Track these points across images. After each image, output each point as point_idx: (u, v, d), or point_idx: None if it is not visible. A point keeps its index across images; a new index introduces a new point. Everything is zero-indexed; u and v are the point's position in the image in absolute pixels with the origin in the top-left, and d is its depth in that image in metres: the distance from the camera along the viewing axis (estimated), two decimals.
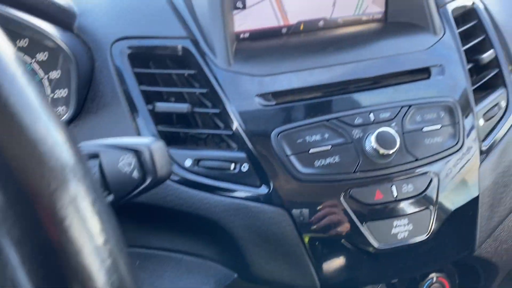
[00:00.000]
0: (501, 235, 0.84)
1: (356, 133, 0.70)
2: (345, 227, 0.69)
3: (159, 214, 0.73)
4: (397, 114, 0.72)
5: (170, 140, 0.75)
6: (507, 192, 0.78)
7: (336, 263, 0.70)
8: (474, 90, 0.81)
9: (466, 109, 0.76)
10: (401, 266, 0.72)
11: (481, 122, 0.78)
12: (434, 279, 0.93)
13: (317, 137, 0.70)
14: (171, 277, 0.75)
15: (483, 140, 0.78)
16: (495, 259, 0.86)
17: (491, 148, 0.77)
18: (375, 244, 0.70)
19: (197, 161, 0.71)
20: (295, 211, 0.69)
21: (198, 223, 0.73)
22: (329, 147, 0.70)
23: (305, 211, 0.69)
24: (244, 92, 0.71)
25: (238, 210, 0.69)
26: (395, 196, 0.70)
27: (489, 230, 0.77)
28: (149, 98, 0.73)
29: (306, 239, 0.69)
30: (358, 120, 0.71)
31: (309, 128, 0.70)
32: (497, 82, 0.85)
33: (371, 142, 0.69)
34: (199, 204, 0.70)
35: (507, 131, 0.80)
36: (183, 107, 0.72)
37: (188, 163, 0.71)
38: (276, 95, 0.72)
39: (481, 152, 0.76)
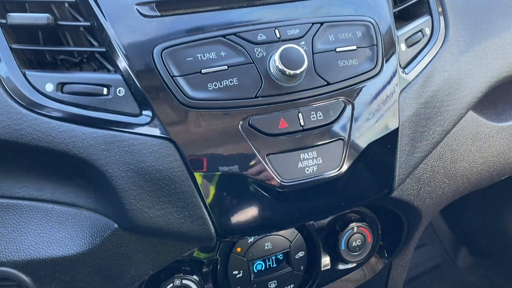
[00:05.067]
0: (424, 177, 0.77)
1: (259, 51, 0.59)
2: (244, 161, 0.58)
3: (16, 153, 0.58)
4: (307, 32, 0.61)
5: (35, 64, 0.60)
6: (430, 125, 0.70)
7: (234, 204, 0.59)
8: (398, 20, 0.73)
9: (386, 31, 0.66)
10: (310, 206, 0.63)
11: (403, 47, 0.70)
12: (355, 229, 0.85)
13: (211, 55, 0.58)
14: (37, 231, 0.61)
15: (405, 68, 0.69)
16: (418, 202, 0.79)
17: (413, 76, 0.69)
18: (279, 180, 0.59)
19: (61, 86, 0.57)
20: (184, 144, 0.56)
21: (66, 164, 0.59)
22: (226, 67, 0.58)
23: (196, 143, 0.57)
24: (122, 0, 0.58)
25: (112, 143, 0.56)
26: (301, 125, 0.60)
27: (410, 167, 0.69)
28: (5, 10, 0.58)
29: (198, 177, 0.57)
30: (261, 37, 0.60)
31: (201, 45, 0.57)
32: (422, 10, 0.77)
33: (275, 62, 0.57)
34: (62, 138, 0.56)
35: (431, 59, 0.72)
36: (41, 18, 0.57)
37: (49, 87, 0.57)
38: (161, 4, 0.59)
39: (402, 80, 0.67)
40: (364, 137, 0.63)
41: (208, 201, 0.58)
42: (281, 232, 0.79)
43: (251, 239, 0.77)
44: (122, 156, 0.56)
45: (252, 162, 0.58)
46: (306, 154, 0.60)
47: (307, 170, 0.60)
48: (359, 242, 0.84)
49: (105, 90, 0.57)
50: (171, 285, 0.72)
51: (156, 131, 0.56)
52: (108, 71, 0.59)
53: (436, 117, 0.71)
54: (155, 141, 0.56)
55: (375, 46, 0.64)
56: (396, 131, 0.66)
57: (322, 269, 0.85)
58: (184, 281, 0.73)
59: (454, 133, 0.80)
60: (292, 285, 0.83)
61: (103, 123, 0.56)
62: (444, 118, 0.72)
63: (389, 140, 0.65)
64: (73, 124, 0.56)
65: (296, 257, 0.81)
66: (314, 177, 0.60)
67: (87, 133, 0.56)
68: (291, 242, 0.80)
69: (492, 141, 0.85)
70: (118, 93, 0.57)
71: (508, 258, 1.75)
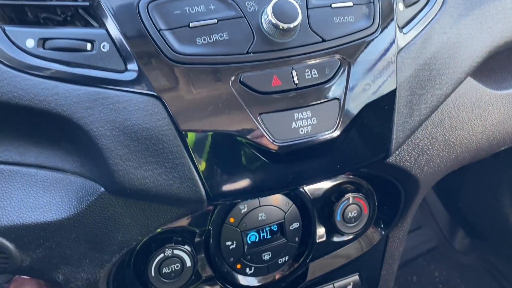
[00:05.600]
0: (421, 144, 0.75)
1: (250, 5, 0.56)
2: (235, 120, 0.55)
3: None
4: None
5: (16, 23, 0.57)
6: (428, 88, 0.68)
7: (225, 166, 0.57)
8: None
9: None
10: (304, 169, 0.60)
11: (401, 7, 0.67)
12: (351, 200, 0.83)
13: (200, 9, 0.55)
14: (20, 196, 0.59)
15: (403, 28, 0.67)
16: (415, 171, 0.77)
17: (411, 37, 0.66)
18: (272, 140, 0.57)
19: (42, 41, 0.54)
20: (171, 101, 0.54)
21: (50, 125, 0.56)
22: (215, 21, 0.55)
23: (185, 100, 0.54)
24: None
25: (96, 101, 0.53)
26: (295, 83, 0.57)
27: (407, 131, 0.66)
28: None
29: (187, 136, 0.55)
30: None
31: None
32: None
33: (267, 15, 0.55)
34: (44, 95, 0.53)
35: (430, 21, 0.69)
36: None
37: (30, 43, 0.54)
38: None
39: (400, 40, 0.65)
40: (360, 98, 0.61)
41: (197, 162, 0.56)
42: (275, 203, 0.77)
43: (245, 209, 0.75)
44: (106, 114, 0.53)
45: (244, 121, 0.56)
46: (300, 113, 0.58)
47: (301, 131, 0.58)
48: (355, 213, 0.82)
49: (88, 46, 0.54)
50: (162, 255, 0.70)
51: (142, 88, 0.54)
52: (88, 25, 0.56)
53: (435, 80, 0.68)
54: (141, 98, 0.54)
55: (372, 4, 0.62)
56: (393, 92, 0.63)
57: (317, 241, 0.83)
58: (176, 251, 0.70)
59: (453, 100, 0.78)
60: (286, 257, 0.81)
61: (86, 80, 0.54)
62: (443, 82, 0.69)
63: (387, 101, 0.63)
64: (56, 81, 0.53)
65: (290, 228, 0.79)
66: (308, 137, 0.58)
67: (70, 90, 0.53)
68: (286, 213, 0.78)
69: (491, 109, 0.83)
70: (102, 49, 0.54)
71: (503, 239, 1.75)
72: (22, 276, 1.47)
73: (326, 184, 0.82)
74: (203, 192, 0.57)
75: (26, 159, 0.60)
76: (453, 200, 1.88)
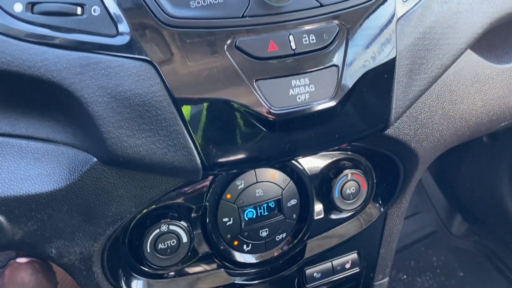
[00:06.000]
0: (421, 117, 0.74)
1: None
2: (230, 87, 0.54)
3: None
4: None
5: None
6: (428, 58, 0.66)
7: (221, 134, 0.55)
8: None
9: None
10: (301, 138, 0.59)
11: None
12: (349, 176, 0.82)
13: None
14: (11, 168, 0.57)
15: None
16: (414, 144, 0.75)
17: (411, 4, 0.65)
18: (269, 107, 0.55)
19: (31, 6, 0.52)
20: (164, 66, 0.52)
21: (40, 93, 0.54)
22: None
23: (178, 65, 0.53)
24: None
25: (87, 66, 0.52)
26: (293, 49, 0.56)
27: (407, 101, 0.65)
28: None
29: (180, 103, 0.53)
30: None
31: None
32: None
33: None
34: (33, 60, 0.51)
35: None
36: None
37: (18, 8, 0.52)
38: None
39: (400, 7, 0.63)
40: (359, 65, 0.59)
41: (192, 129, 0.54)
42: (273, 179, 0.76)
43: (241, 185, 0.74)
44: (98, 79, 0.52)
45: (240, 88, 0.54)
46: (297, 80, 0.56)
47: (299, 98, 0.56)
48: (353, 189, 0.81)
49: (79, 10, 0.52)
50: (158, 230, 0.69)
51: (134, 53, 0.52)
52: None
53: (435, 50, 0.67)
54: (133, 63, 0.52)
55: None
56: (393, 60, 0.62)
57: (315, 218, 0.82)
58: (172, 227, 0.69)
59: (453, 73, 0.76)
60: (284, 234, 0.80)
61: (77, 45, 0.52)
62: (443, 52, 0.68)
63: (386, 69, 0.61)
64: (45, 46, 0.52)
65: (288, 205, 0.78)
66: (306, 105, 0.56)
67: (60, 55, 0.52)
68: (283, 190, 0.77)
69: (492, 83, 0.81)
70: (93, 13, 0.52)
71: (501, 224, 1.75)
72: (17, 260, 1.46)
73: (324, 161, 0.81)
74: (198, 161, 0.55)
75: (16, 130, 0.58)
76: (451, 186, 1.88)
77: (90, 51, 0.52)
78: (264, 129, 0.56)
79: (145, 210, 0.70)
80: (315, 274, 0.87)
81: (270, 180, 0.76)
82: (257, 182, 0.75)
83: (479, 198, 1.78)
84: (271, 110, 0.55)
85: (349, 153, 0.82)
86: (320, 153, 0.80)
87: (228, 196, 0.74)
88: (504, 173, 1.58)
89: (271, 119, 0.55)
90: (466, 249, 1.94)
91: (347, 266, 0.90)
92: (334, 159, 0.82)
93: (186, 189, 0.71)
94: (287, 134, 0.58)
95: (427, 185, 2.05)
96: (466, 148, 1.70)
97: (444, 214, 2.05)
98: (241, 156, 0.57)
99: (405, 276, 1.84)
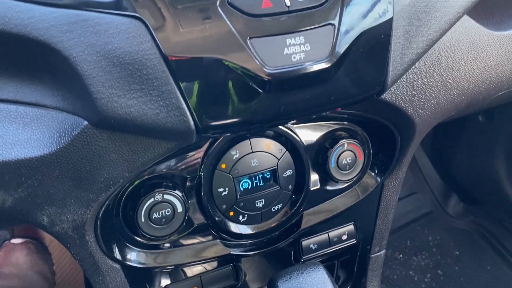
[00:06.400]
0: (418, 83, 0.73)
1: None
2: (224, 45, 0.52)
3: None
4: None
5: None
6: (426, 20, 0.65)
7: (214, 94, 0.54)
8: None
9: None
10: (296, 99, 0.58)
11: None
12: (345, 146, 0.81)
13: None
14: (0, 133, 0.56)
15: None
16: (411, 111, 0.74)
17: None
18: (263, 66, 0.54)
19: None
20: (154, 22, 0.51)
21: (27, 55, 0.53)
22: None
23: (168, 22, 0.51)
24: None
25: (75, 23, 0.50)
26: (287, 6, 0.54)
27: (404, 64, 0.64)
28: None
29: (172, 61, 0.51)
30: None
31: None
32: None
33: None
34: (20, 18, 0.49)
35: None
36: None
37: None
38: None
39: None
40: (356, 24, 0.57)
41: (185, 89, 0.53)
42: (268, 149, 0.75)
43: (236, 155, 0.73)
44: (87, 37, 0.50)
45: (233, 46, 0.52)
46: (292, 39, 0.54)
47: (294, 57, 0.55)
48: (349, 159, 0.80)
49: None
50: (152, 200, 0.67)
51: (124, 9, 0.50)
52: None
53: (433, 12, 0.65)
54: (122, 20, 0.50)
55: None
56: (390, 20, 0.60)
57: (311, 189, 0.81)
58: (166, 196, 0.68)
59: (451, 39, 0.75)
60: (280, 205, 0.79)
61: (64, 2, 0.50)
62: (441, 15, 0.67)
63: (383, 30, 0.60)
64: (31, 3, 0.50)
65: (283, 175, 0.77)
66: (301, 65, 0.55)
67: (47, 12, 0.50)
68: (279, 160, 0.76)
69: (489, 50, 0.80)
70: None
71: (496, 203, 1.75)
72: (12, 241, 1.46)
73: (320, 131, 0.80)
74: (191, 122, 0.54)
75: (4, 95, 0.57)
76: (447, 166, 1.88)
77: (78, 8, 0.50)
78: (258, 89, 0.55)
79: (138, 181, 0.69)
80: (311, 246, 0.87)
81: (265, 150, 0.75)
82: (252, 152, 0.74)
83: (474, 178, 1.78)
84: (265, 70, 0.54)
85: (345, 123, 0.81)
86: (316, 123, 0.79)
87: (223, 166, 0.73)
88: (499, 153, 1.58)
89: (266, 79, 0.54)
90: (462, 228, 1.95)
91: (344, 237, 0.89)
92: (330, 129, 0.81)
93: (180, 158, 0.70)
94: (282, 95, 0.56)
95: (422, 165, 2.05)
96: (461, 127, 1.70)
97: (439, 194, 2.06)
98: (235, 117, 0.55)
99: (401, 256, 1.85)
